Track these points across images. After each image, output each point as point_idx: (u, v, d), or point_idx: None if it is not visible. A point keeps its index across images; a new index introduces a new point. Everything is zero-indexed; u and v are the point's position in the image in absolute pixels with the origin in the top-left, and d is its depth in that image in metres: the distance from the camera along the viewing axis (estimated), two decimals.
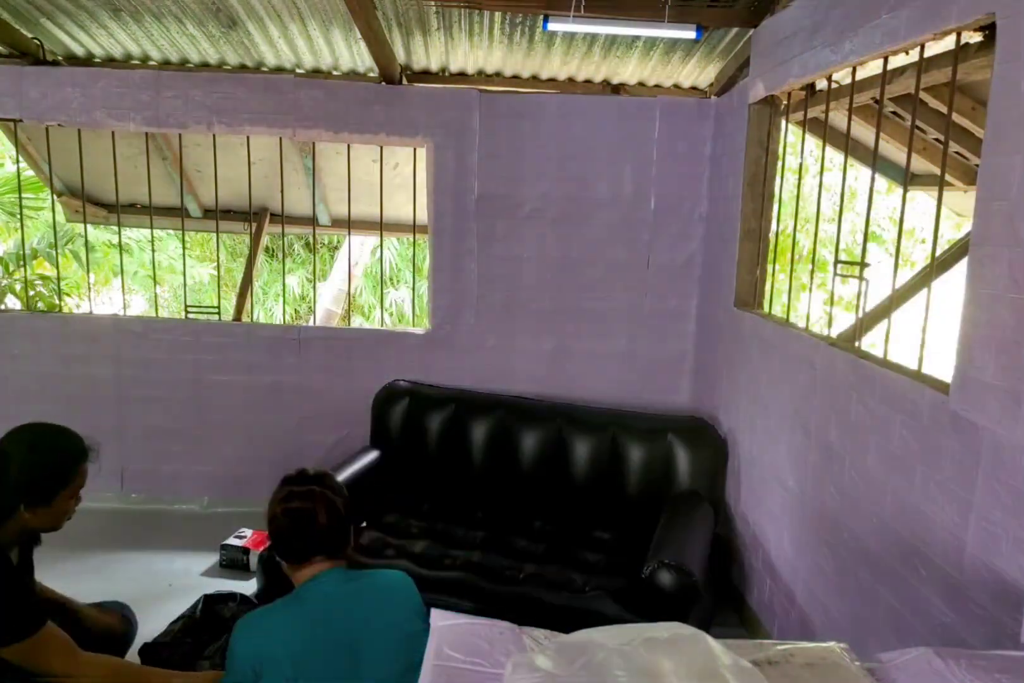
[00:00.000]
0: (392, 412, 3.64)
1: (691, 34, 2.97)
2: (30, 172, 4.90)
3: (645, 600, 2.60)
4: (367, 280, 9.29)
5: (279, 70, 3.85)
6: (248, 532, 3.50)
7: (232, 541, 3.42)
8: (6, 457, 1.81)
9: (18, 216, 4.50)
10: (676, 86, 3.90)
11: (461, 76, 3.88)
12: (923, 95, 2.94)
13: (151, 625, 2.40)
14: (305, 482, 1.79)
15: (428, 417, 3.60)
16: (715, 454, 3.31)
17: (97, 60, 3.87)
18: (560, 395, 3.79)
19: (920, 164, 3.85)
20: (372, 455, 3.50)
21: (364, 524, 3.22)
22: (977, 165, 2.50)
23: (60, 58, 3.83)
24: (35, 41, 3.63)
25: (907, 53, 2.10)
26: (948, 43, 1.92)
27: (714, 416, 3.50)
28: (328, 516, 1.74)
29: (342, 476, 3.16)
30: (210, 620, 2.37)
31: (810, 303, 2.76)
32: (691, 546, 2.75)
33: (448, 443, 3.56)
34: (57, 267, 4.72)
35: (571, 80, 3.88)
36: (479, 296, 3.87)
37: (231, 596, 2.50)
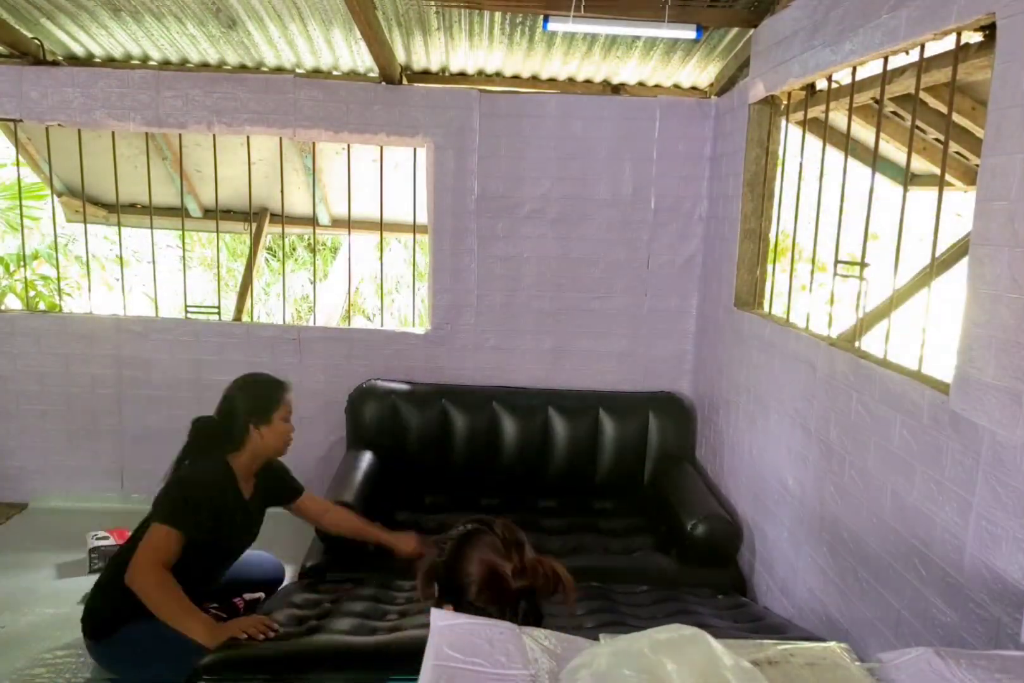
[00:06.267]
0: (370, 411, 3.63)
1: (691, 34, 2.97)
2: (31, 178, 4.90)
3: (693, 552, 2.87)
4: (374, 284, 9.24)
5: (279, 70, 3.85)
6: (103, 533, 3.36)
7: (100, 543, 3.27)
8: (231, 398, 2.45)
9: (18, 222, 4.49)
10: (676, 86, 3.90)
11: (461, 76, 3.88)
12: (923, 95, 2.94)
13: None
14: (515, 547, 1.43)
15: (407, 414, 3.63)
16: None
17: (97, 60, 3.86)
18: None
19: (920, 164, 3.85)
20: (367, 456, 3.48)
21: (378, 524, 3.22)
22: (977, 165, 2.50)
23: (60, 58, 3.82)
24: (35, 41, 3.62)
25: (907, 53, 2.10)
26: (948, 43, 1.92)
27: (714, 416, 3.50)
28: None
29: (357, 483, 3.17)
30: None
31: (811, 303, 2.75)
32: (712, 500, 3.08)
33: (432, 436, 3.62)
34: (57, 267, 4.72)
35: (571, 80, 3.88)
36: (479, 296, 3.87)
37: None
